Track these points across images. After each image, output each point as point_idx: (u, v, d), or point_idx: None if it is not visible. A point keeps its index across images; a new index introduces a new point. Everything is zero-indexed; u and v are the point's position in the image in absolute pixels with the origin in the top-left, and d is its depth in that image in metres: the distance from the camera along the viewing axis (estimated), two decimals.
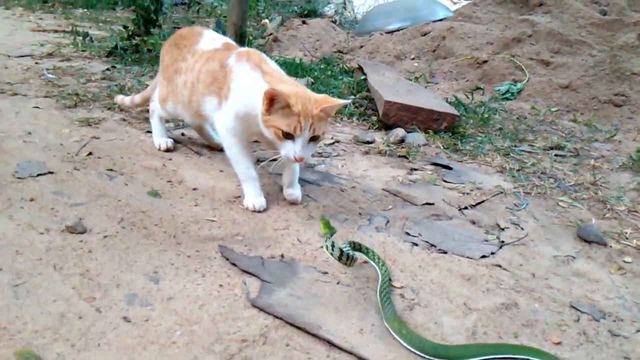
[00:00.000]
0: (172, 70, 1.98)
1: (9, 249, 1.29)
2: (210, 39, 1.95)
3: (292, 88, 1.58)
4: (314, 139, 1.56)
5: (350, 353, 1.08)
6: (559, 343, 1.18)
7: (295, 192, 1.77)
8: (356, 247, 1.42)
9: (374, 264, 1.40)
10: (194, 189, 1.78)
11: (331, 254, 1.34)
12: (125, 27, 3.83)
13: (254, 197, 1.70)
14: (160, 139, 2.11)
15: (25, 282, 1.19)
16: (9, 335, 1.02)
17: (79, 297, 1.15)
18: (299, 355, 1.06)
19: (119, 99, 2.46)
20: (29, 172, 1.73)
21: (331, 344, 1.10)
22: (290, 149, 1.54)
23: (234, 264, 1.36)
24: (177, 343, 1.05)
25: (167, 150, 2.09)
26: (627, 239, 1.72)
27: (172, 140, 2.13)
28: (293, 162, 1.58)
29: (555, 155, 2.52)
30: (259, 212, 1.68)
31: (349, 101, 1.51)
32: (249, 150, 1.78)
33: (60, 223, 1.44)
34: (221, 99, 1.73)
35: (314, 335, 1.12)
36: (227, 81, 1.71)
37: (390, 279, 1.35)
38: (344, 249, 1.35)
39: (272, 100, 1.52)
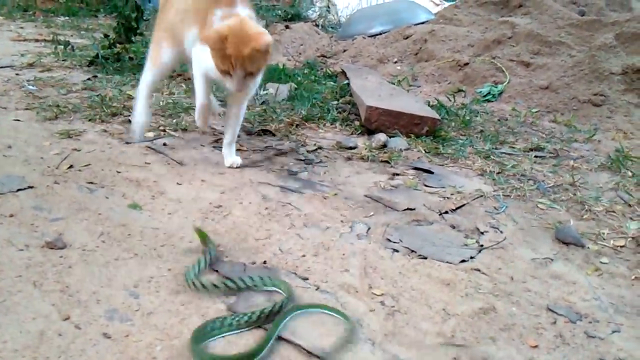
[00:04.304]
0: (161, 17, 2.12)
1: None
2: None
3: (231, 28, 1.73)
4: (250, 74, 1.79)
5: None
6: (535, 346, 1.20)
7: (232, 156, 2.11)
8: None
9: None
10: (176, 200, 1.78)
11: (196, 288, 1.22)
12: (106, 35, 3.82)
13: (198, 113, 2.01)
14: (135, 120, 2.24)
15: (4, 300, 1.18)
16: None
17: (59, 314, 1.15)
18: None
19: None
20: (8, 188, 1.72)
21: (305, 350, 1.11)
22: (229, 83, 1.81)
23: (216, 271, 1.37)
24: (158, 358, 1.06)
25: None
26: (604, 239, 1.75)
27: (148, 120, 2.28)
28: (234, 92, 1.86)
29: (535, 156, 2.55)
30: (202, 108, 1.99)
31: (271, 40, 1.76)
32: (209, 87, 2.07)
33: (40, 239, 1.44)
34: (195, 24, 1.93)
35: (289, 342, 1.13)
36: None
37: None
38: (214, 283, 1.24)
39: (214, 44, 1.72)
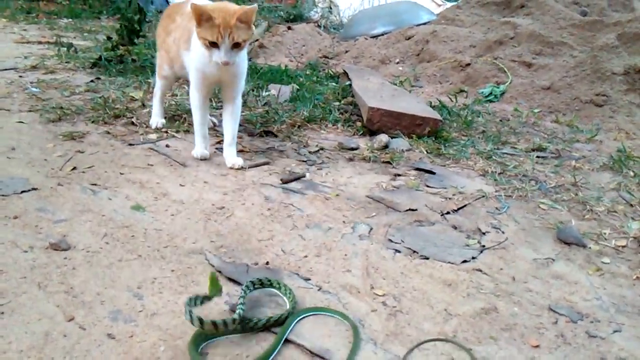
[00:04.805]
0: (163, 36, 2.35)
1: None
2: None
3: (215, 4, 1.92)
4: (236, 45, 1.88)
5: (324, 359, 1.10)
6: (537, 346, 1.21)
7: (233, 157, 2.16)
8: (265, 284, 1.34)
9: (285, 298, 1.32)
10: (178, 202, 1.79)
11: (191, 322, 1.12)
12: (109, 37, 3.84)
13: (198, 148, 2.19)
14: (152, 119, 2.56)
15: (10, 302, 1.19)
16: None
17: (64, 315, 1.16)
18: None
19: None
20: (12, 189, 1.73)
21: (308, 351, 1.12)
22: (216, 56, 1.88)
23: (219, 272, 1.38)
24: (161, 358, 1.07)
25: (157, 128, 2.50)
26: (605, 239, 1.75)
27: (163, 121, 2.55)
28: (222, 65, 1.90)
29: (537, 157, 2.56)
30: (201, 160, 2.18)
31: (255, 5, 1.89)
32: (207, 106, 2.20)
33: (44, 240, 1.45)
34: (188, 42, 2.10)
35: (292, 342, 1.14)
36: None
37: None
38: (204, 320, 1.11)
39: (200, 16, 1.83)
